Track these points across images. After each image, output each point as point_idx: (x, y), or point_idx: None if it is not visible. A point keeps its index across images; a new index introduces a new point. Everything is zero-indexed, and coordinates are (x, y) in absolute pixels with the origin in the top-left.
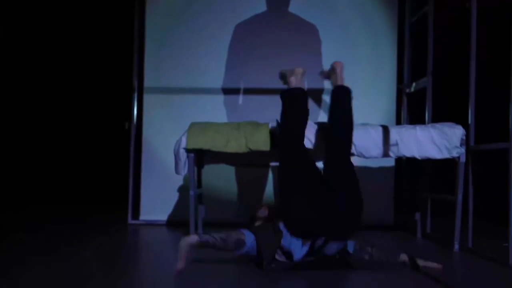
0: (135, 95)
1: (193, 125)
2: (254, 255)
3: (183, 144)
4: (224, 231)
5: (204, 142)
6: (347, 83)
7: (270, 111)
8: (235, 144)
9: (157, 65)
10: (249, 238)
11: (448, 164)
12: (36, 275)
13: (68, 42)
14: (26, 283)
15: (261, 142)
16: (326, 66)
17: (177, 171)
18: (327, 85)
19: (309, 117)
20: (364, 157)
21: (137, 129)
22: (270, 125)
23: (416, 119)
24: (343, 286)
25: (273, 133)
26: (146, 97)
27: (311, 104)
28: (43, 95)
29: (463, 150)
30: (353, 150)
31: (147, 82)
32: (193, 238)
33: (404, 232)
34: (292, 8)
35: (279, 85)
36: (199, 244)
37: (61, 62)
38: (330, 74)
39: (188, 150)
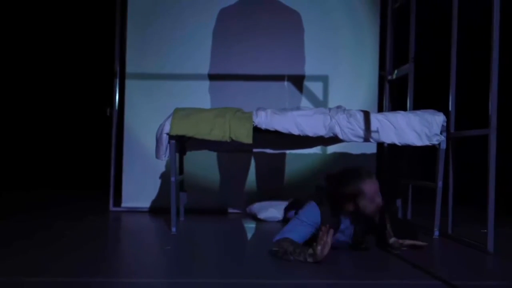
0: (117, 80)
1: (177, 110)
2: None
3: (166, 129)
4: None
5: (188, 129)
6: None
7: (254, 96)
8: (219, 132)
9: (139, 50)
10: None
11: (429, 150)
12: (15, 260)
13: (49, 28)
14: (4, 267)
15: (244, 134)
16: (308, 51)
17: (157, 155)
18: (308, 71)
19: (290, 104)
20: (345, 141)
21: (119, 115)
22: (255, 113)
23: (397, 106)
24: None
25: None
26: (128, 83)
27: (292, 89)
28: (24, 80)
29: (443, 137)
30: (338, 132)
31: (129, 68)
32: None
33: None
34: None
35: (263, 71)
36: None
37: (42, 47)
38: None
39: (171, 136)
